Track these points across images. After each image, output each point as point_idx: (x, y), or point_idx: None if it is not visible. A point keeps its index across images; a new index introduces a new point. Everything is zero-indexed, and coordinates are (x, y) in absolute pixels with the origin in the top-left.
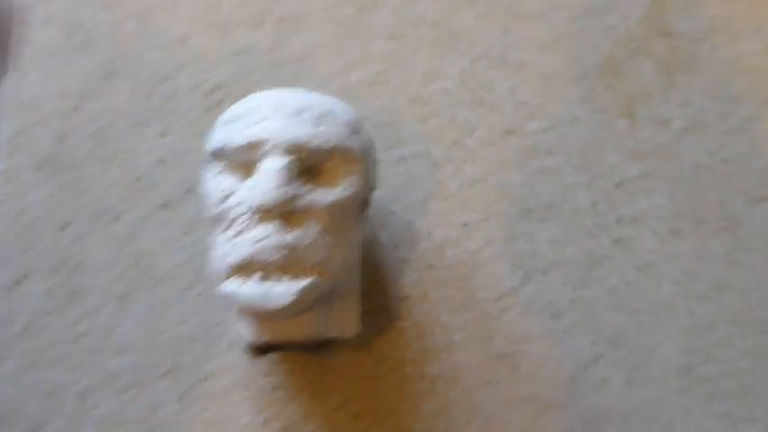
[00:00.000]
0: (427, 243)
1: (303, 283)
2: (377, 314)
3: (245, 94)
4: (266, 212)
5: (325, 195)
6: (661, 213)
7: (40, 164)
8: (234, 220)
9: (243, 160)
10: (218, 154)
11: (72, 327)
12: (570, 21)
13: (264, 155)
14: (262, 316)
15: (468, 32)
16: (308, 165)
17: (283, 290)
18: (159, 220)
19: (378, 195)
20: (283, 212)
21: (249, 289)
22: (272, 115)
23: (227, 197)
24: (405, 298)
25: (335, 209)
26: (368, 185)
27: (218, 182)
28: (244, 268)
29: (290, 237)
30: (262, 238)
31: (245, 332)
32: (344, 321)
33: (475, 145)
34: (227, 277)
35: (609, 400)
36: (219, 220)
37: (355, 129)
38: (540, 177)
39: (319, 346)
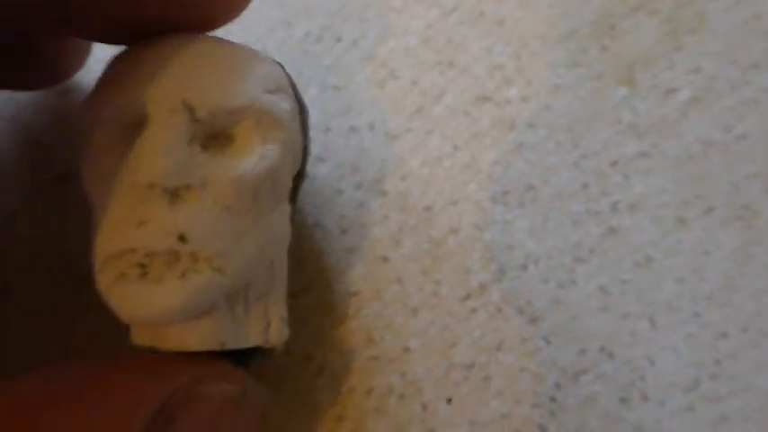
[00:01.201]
0: (381, 229)
1: (194, 282)
2: (318, 313)
3: None
4: (149, 188)
5: (230, 167)
6: (663, 199)
7: None
8: (112, 197)
9: (124, 127)
10: (95, 121)
11: None
12: None
13: (149, 118)
14: (138, 321)
15: None
16: (211, 129)
17: (168, 290)
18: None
19: (323, 171)
20: (172, 188)
21: (125, 286)
22: (158, 68)
23: (107, 172)
24: (353, 294)
25: (245, 185)
26: (297, 157)
27: (95, 153)
28: (121, 258)
29: (180, 219)
30: (144, 220)
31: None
32: (266, 327)
33: (441, 114)
34: (102, 269)
35: (598, 422)
36: (98, 199)
37: (279, 86)
38: (519, 154)
39: (243, 355)
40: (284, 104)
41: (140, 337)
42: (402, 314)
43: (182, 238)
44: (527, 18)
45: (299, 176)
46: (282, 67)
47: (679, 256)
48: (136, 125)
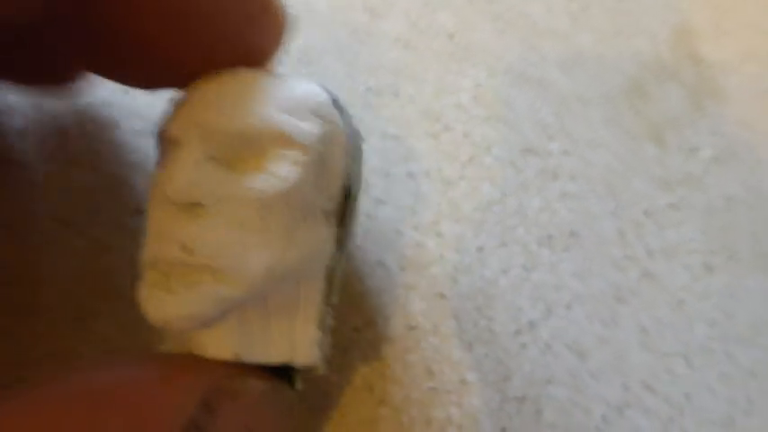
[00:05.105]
0: (438, 268)
1: (198, 291)
2: (379, 346)
3: None
4: (170, 204)
5: (240, 186)
6: (692, 247)
7: None
8: (148, 211)
9: (167, 148)
10: (156, 139)
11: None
12: (595, 42)
13: (177, 140)
14: (158, 326)
15: (486, 47)
16: (233, 151)
17: (176, 299)
18: (132, 226)
19: (384, 213)
20: (189, 204)
21: (149, 293)
22: (191, 97)
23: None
24: (412, 329)
25: (263, 202)
26: (333, 179)
27: (154, 175)
28: (154, 268)
29: (188, 232)
30: (162, 232)
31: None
32: (292, 346)
33: (491, 164)
34: (141, 277)
35: None
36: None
37: (308, 109)
38: (562, 202)
39: (282, 372)
40: (306, 126)
41: (172, 341)
42: (459, 348)
43: (187, 250)
44: (566, 81)
45: (349, 199)
46: (336, 99)
47: (708, 300)
48: (174, 145)
